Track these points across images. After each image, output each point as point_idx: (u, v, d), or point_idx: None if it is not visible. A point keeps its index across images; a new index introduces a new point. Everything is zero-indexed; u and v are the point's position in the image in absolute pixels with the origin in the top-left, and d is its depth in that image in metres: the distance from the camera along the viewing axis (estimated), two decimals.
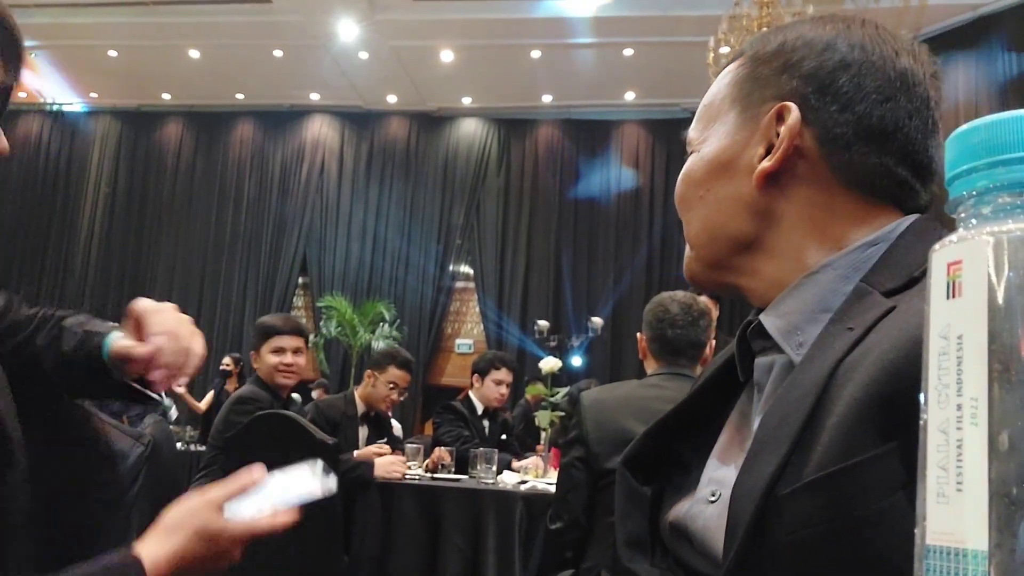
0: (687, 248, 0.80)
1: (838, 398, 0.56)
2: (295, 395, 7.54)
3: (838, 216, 0.71)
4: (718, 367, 0.82)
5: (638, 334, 2.45)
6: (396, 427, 4.01)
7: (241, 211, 11.37)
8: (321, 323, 10.35)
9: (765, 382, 0.73)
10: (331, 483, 1.01)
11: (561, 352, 8.07)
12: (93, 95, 11.10)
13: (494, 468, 3.34)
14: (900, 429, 0.51)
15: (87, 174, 11.64)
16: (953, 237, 0.36)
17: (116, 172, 11.62)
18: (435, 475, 3.45)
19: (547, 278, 10.63)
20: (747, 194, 0.73)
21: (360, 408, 3.71)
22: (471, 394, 4.22)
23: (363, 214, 11.11)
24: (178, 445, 5.98)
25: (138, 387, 1.06)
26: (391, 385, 3.70)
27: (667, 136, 10.46)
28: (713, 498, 0.71)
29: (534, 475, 3.54)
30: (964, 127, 0.37)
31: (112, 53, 10.09)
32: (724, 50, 6.74)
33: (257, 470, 0.98)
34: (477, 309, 10.88)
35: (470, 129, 11.11)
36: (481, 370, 4.19)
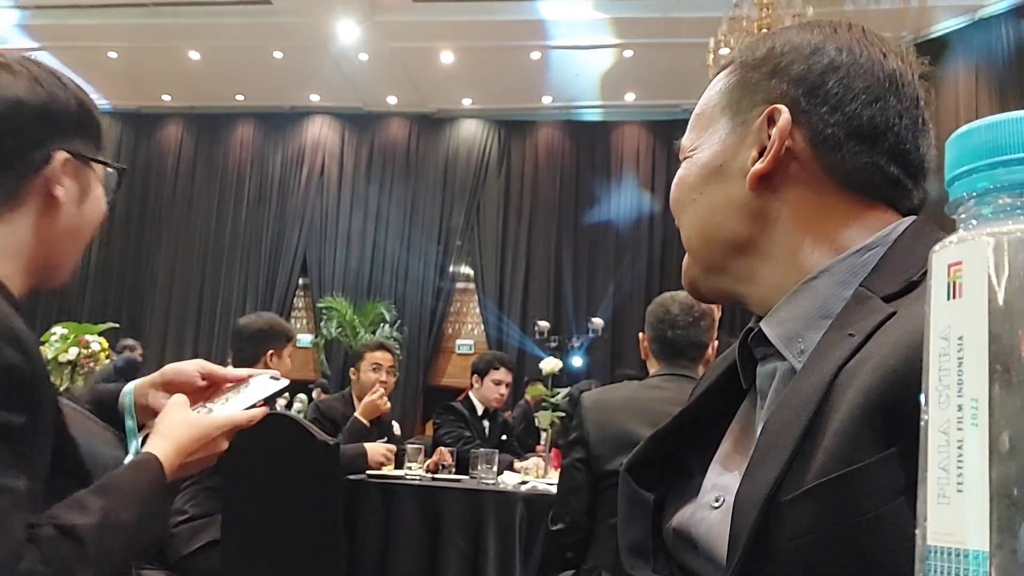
0: (686, 256, 0.81)
1: (839, 404, 0.56)
2: (301, 395, 7.55)
3: (832, 216, 0.72)
4: (720, 373, 0.82)
5: (640, 335, 2.45)
6: (395, 428, 4.01)
7: (241, 212, 11.38)
8: (321, 324, 10.36)
9: (767, 389, 0.73)
10: (283, 382, 1.17)
11: (561, 353, 8.07)
12: (93, 96, 11.10)
13: (495, 469, 3.34)
14: (900, 435, 0.52)
15: None
16: (953, 238, 0.36)
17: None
18: (436, 475, 3.45)
19: (547, 279, 10.63)
20: (740, 196, 0.74)
21: (358, 407, 3.71)
22: (471, 395, 4.22)
23: (363, 215, 11.11)
24: None
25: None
26: (374, 367, 3.72)
27: (667, 137, 10.46)
28: (717, 504, 0.71)
29: (535, 475, 3.54)
30: (964, 128, 0.37)
31: (112, 54, 10.10)
32: (724, 51, 6.75)
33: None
34: (477, 310, 10.88)
35: (470, 130, 11.12)
36: (480, 371, 4.19)
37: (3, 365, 0.81)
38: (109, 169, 1.08)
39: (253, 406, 1.13)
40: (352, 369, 3.83)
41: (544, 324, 8.25)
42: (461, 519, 2.97)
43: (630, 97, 10.44)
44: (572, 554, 2.18)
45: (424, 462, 3.52)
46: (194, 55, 10.07)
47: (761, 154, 0.72)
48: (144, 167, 11.57)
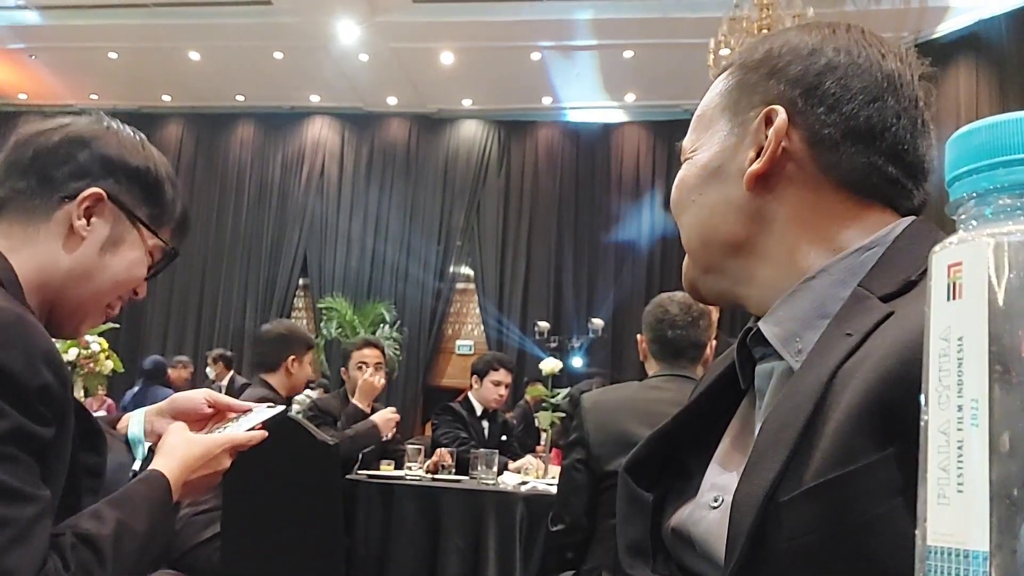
0: (686, 257, 0.81)
1: (836, 405, 0.56)
2: (299, 396, 7.57)
3: (830, 216, 0.72)
4: (719, 373, 0.82)
5: (638, 336, 2.45)
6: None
7: (241, 212, 11.38)
8: (321, 324, 10.35)
9: (766, 388, 0.73)
10: (280, 408, 1.23)
11: (561, 353, 8.07)
12: (93, 97, 11.09)
13: (495, 469, 3.34)
14: (898, 436, 0.52)
15: None
16: (954, 239, 0.36)
17: None
18: (436, 476, 3.45)
19: (547, 279, 10.63)
20: (738, 197, 0.74)
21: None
22: (470, 395, 4.23)
23: (363, 216, 11.11)
24: None
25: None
26: (359, 366, 3.72)
27: (667, 137, 10.45)
28: (716, 504, 0.71)
29: (535, 475, 3.54)
30: (964, 129, 0.37)
31: (112, 55, 10.09)
32: (724, 52, 6.75)
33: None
34: (477, 310, 10.88)
35: (470, 131, 11.12)
36: (479, 371, 4.19)
37: (40, 384, 0.86)
38: (157, 242, 1.11)
39: (252, 429, 1.18)
40: (343, 369, 3.84)
41: (544, 324, 8.24)
42: (461, 519, 2.97)
43: (630, 97, 10.44)
44: (572, 554, 2.19)
45: (424, 462, 3.52)
46: (194, 55, 10.07)
47: (759, 155, 0.73)
48: None
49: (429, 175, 11.09)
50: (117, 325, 6.90)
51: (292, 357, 3.21)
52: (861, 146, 0.71)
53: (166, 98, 11.38)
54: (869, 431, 0.54)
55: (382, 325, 10.23)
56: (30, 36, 9.66)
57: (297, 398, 7.56)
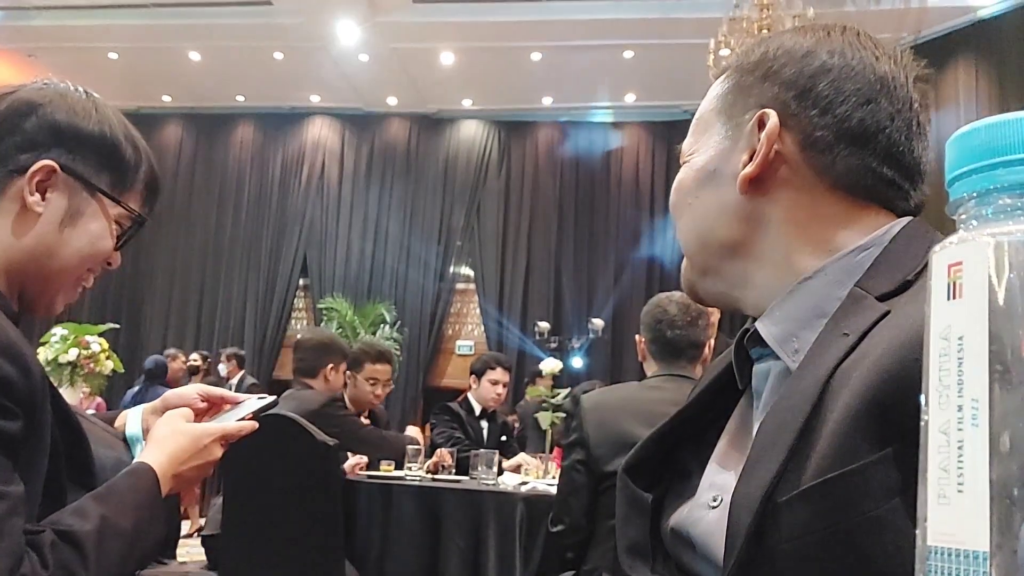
0: (684, 260, 0.82)
1: (834, 405, 0.57)
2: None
3: (825, 218, 0.72)
4: (717, 373, 0.82)
5: (637, 336, 2.45)
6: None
7: (241, 213, 11.38)
8: (322, 325, 10.35)
9: (763, 389, 0.73)
10: (271, 399, 1.20)
11: (562, 353, 8.08)
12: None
13: (495, 469, 3.34)
14: (895, 435, 0.52)
15: None
16: (954, 238, 0.36)
17: None
18: (436, 476, 3.45)
19: (547, 279, 10.63)
20: (733, 200, 0.75)
21: (351, 408, 3.70)
22: (469, 395, 4.23)
23: (364, 215, 11.11)
24: None
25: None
26: (371, 381, 3.66)
27: (667, 138, 10.46)
28: (715, 504, 0.71)
29: (535, 476, 3.54)
30: (964, 129, 0.37)
31: (112, 55, 10.10)
32: (724, 52, 6.75)
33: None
34: (478, 310, 10.88)
35: (470, 131, 11.12)
36: (477, 371, 4.20)
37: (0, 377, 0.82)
38: (122, 210, 1.04)
39: (244, 419, 1.14)
40: (349, 373, 3.67)
41: (544, 325, 8.25)
42: (461, 520, 2.97)
43: (630, 98, 10.44)
44: (572, 555, 2.18)
45: (424, 463, 3.52)
46: (194, 56, 10.07)
47: (752, 158, 0.73)
48: None
49: (429, 175, 11.09)
50: (117, 325, 6.90)
51: (331, 365, 3.43)
52: (855, 148, 0.71)
53: (166, 98, 11.38)
54: (866, 431, 0.54)
55: (382, 325, 10.23)
56: (30, 36, 9.66)
57: None
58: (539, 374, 4.67)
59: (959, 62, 8.01)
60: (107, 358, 4.92)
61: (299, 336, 3.71)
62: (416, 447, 3.51)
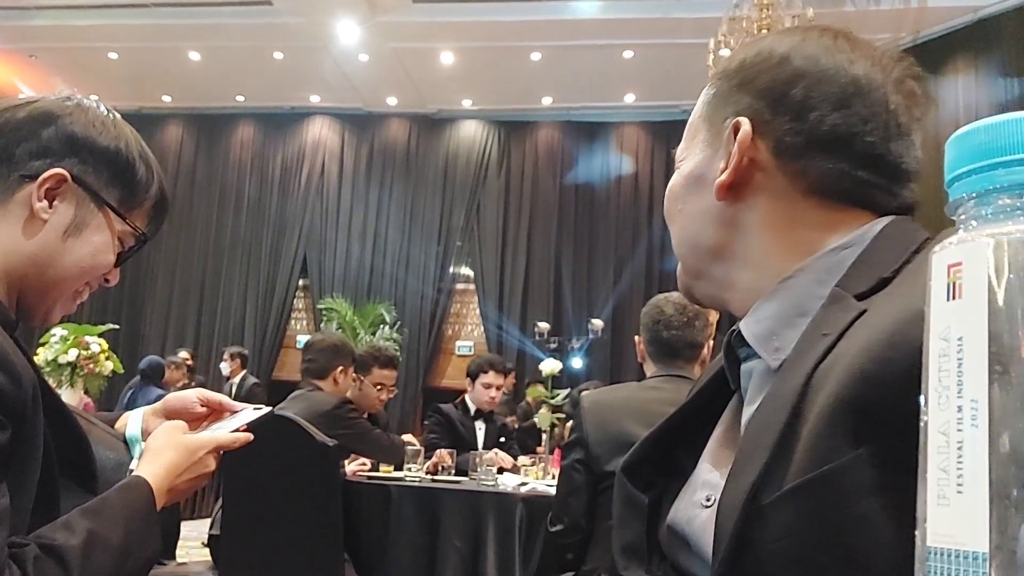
0: (679, 263, 0.84)
1: (812, 406, 0.57)
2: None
3: (804, 223, 0.73)
4: (712, 374, 0.83)
5: (636, 337, 2.45)
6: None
7: (241, 213, 11.38)
8: (322, 325, 10.35)
9: (746, 386, 0.74)
10: (265, 410, 1.21)
11: (561, 354, 8.08)
12: (93, 97, 11.04)
13: (494, 470, 3.34)
14: (871, 435, 0.52)
15: None
16: (953, 239, 0.36)
17: None
18: (435, 477, 3.45)
19: (547, 280, 10.63)
20: (713, 206, 0.76)
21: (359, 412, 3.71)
22: (466, 397, 4.24)
23: (363, 216, 11.11)
24: None
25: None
26: (378, 387, 3.69)
27: (667, 138, 10.45)
28: (708, 503, 0.71)
29: (535, 476, 3.54)
30: (964, 129, 0.37)
31: (112, 55, 10.10)
32: (724, 52, 6.74)
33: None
34: (477, 311, 10.88)
35: (470, 131, 11.12)
36: (472, 373, 4.21)
37: None
38: (126, 227, 1.05)
39: (238, 430, 1.14)
40: (354, 376, 3.66)
41: (544, 325, 8.24)
42: (461, 520, 2.97)
43: (630, 98, 10.44)
44: (571, 555, 2.18)
45: (423, 464, 3.52)
46: (194, 55, 10.07)
47: (728, 166, 0.75)
48: None
49: (429, 175, 11.09)
50: (117, 326, 6.89)
51: (340, 368, 3.46)
52: (827, 153, 0.72)
53: (166, 98, 11.38)
54: (843, 431, 0.54)
55: (382, 326, 10.23)
56: (30, 36, 9.66)
57: None
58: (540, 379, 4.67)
59: (959, 62, 8.01)
60: (107, 359, 4.92)
61: (310, 338, 3.69)
62: (415, 448, 3.51)
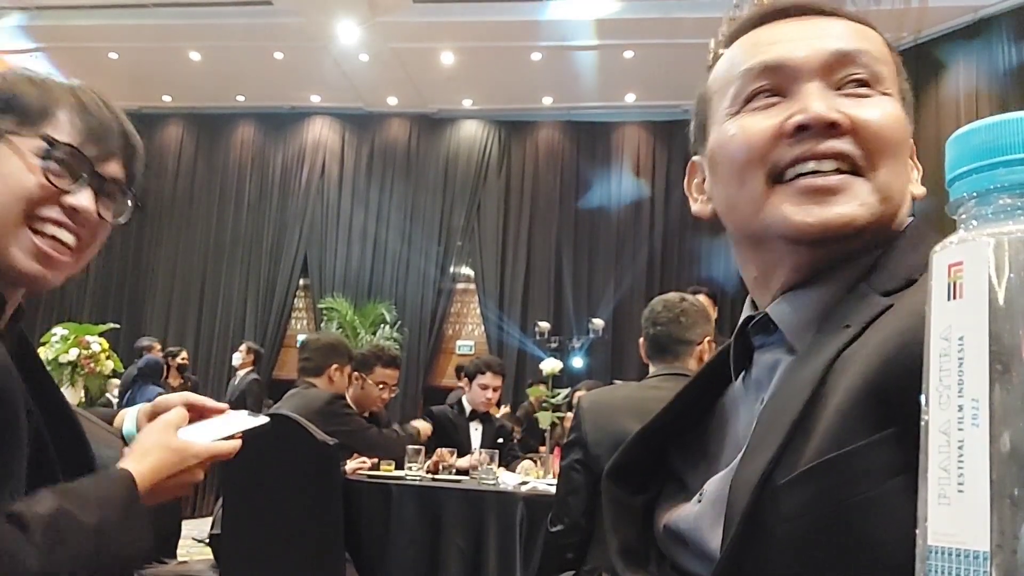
0: None
1: (835, 389, 0.57)
2: None
3: None
4: (703, 371, 0.83)
5: (640, 339, 2.47)
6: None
7: (242, 213, 11.38)
8: (322, 325, 10.35)
9: (764, 377, 0.73)
10: (262, 419, 1.16)
11: (562, 353, 8.07)
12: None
13: (495, 469, 3.34)
14: (897, 417, 0.52)
15: None
16: (954, 239, 0.36)
17: None
18: (436, 476, 3.45)
19: (548, 279, 10.63)
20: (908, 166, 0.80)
21: (353, 409, 3.70)
22: (463, 398, 4.25)
23: (364, 216, 11.11)
24: None
25: None
26: (381, 386, 3.69)
27: (668, 138, 10.46)
28: (699, 500, 0.71)
29: (535, 476, 3.54)
30: (964, 128, 0.37)
31: (113, 55, 10.09)
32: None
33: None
34: (478, 311, 10.88)
35: (471, 131, 11.12)
36: (469, 374, 4.22)
37: None
38: (40, 142, 0.97)
39: (232, 437, 1.10)
40: (356, 374, 3.65)
41: (544, 325, 8.25)
42: (461, 520, 2.97)
43: (630, 97, 10.44)
44: (572, 555, 2.18)
45: (424, 463, 3.52)
46: (194, 55, 10.07)
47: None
48: (144, 167, 11.55)
49: (429, 175, 11.09)
50: (117, 325, 6.88)
51: (335, 366, 3.47)
52: None
53: (166, 98, 11.38)
54: (868, 413, 0.54)
55: (382, 325, 10.23)
56: (30, 36, 9.65)
57: None
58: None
59: (959, 62, 8.00)
60: (107, 358, 4.92)
61: (305, 336, 3.74)
62: (416, 447, 3.51)
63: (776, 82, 0.72)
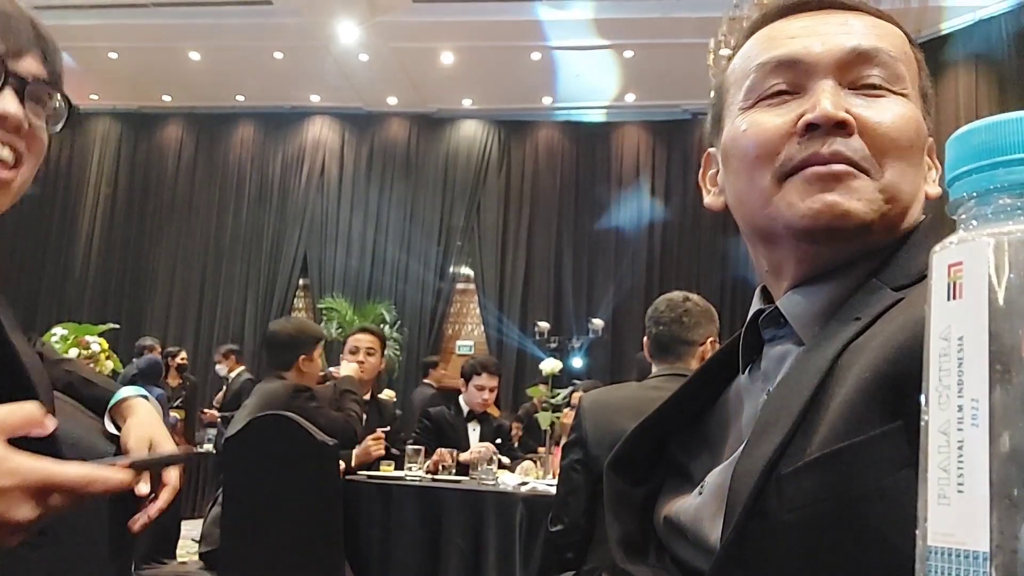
0: None
1: (844, 379, 0.57)
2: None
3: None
4: (705, 366, 0.83)
5: (644, 339, 2.47)
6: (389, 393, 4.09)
7: (242, 213, 11.38)
8: (322, 325, 10.35)
9: (772, 369, 0.73)
10: (179, 455, 1.04)
11: (562, 353, 8.07)
12: (93, 96, 11.09)
13: (495, 469, 3.34)
14: (907, 409, 0.51)
15: (88, 175, 11.64)
16: (954, 239, 0.36)
17: (116, 173, 11.63)
18: (436, 476, 3.45)
19: (547, 279, 10.63)
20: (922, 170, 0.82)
21: (319, 400, 3.69)
22: (461, 398, 4.25)
23: (363, 216, 11.11)
24: None
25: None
26: (352, 349, 3.74)
27: (667, 137, 10.46)
28: (700, 493, 0.71)
29: (535, 476, 3.54)
30: (964, 128, 0.37)
31: (113, 55, 10.10)
32: (724, 52, 6.74)
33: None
34: (477, 311, 10.88)
35: (470, 131, 11.12)
36: (465, 375, 4.23)
37: None
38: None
39: (135, 464, 0.83)
40: (342, 358, 3.79)
41: (544, 325, 8.25)
42: (461, 520, 2.97)
43: (630, 98, 10.44)
44: (572, 555, 2.18)
45: (424, 463, 3.52)
46: (194, 55, 10.07)
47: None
48: (144, 167, 11.57)
49: (429, 175, 11.09)
50: (117, 325, 6.88)
51: (303, 356, 3.41)
52: None
53: (166, 98, 11.38)
54: (878, 403, 0.54)
55: (382, 325, 10.23)
56: None
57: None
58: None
59: (959, 62, 8.00)
60: (107, 358, 4.92)
61: (271, 328, 3.67)
62: (416, 448, 3.51)
63: (789, 78, 0.72)
